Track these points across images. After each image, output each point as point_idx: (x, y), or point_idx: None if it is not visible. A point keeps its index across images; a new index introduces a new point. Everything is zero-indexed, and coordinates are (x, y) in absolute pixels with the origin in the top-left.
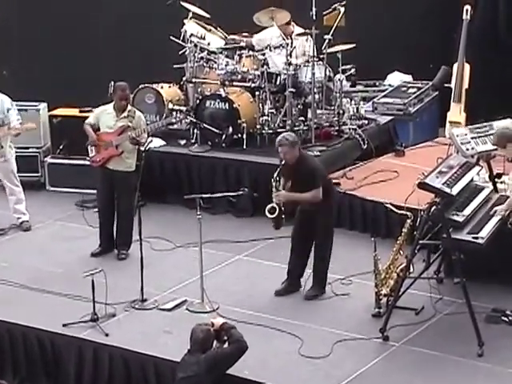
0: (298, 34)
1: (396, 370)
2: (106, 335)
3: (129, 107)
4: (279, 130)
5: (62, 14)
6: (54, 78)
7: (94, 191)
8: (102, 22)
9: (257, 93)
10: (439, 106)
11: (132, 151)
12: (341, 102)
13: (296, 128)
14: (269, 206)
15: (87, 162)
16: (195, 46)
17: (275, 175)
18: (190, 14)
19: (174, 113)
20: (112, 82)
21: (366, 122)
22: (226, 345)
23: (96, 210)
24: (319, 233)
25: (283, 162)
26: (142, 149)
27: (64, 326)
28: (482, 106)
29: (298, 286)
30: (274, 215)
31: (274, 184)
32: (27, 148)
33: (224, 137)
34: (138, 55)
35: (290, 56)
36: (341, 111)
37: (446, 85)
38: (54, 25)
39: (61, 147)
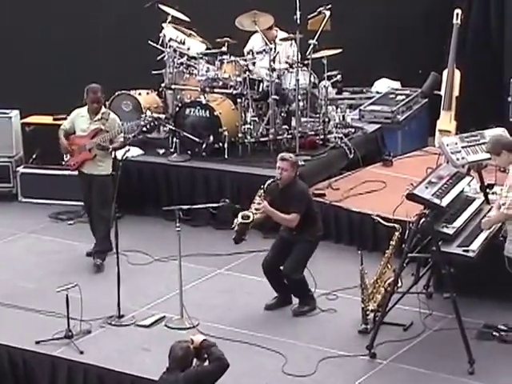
0: (282, 39)
1: None
2: (81, 353)
3: (103, 109)
4: (262, 139)
5: (33, 17)
6: (26, 84)
7: (69, 202)
8: (75, 25)
9: (239, 100)
10: (428, 114)
11: (106, 154)
12: (326, 109)
13: (279, 137)
14: (244, 213)
15: (62, 172)
16: (174, 51)
17: (266, 184)
18: (169, 18)
19: (148, 116)
20: (86, 89)
21: (353, 130)
22: (206, 363)
23: (70, 222)
24: (291, 257)
25: (277, 178)
26: (119, 157)
27: (37, 343)
28: (473, 114)
29: (288, 300)
30: (244, 221)
31: (260, 192)
32: None
33: (204, 146)
34: (114, 61)
35: (274, 62)
36: (326, 119)
37: (435, 92)
38: (26, 28)
39: (34, 156)
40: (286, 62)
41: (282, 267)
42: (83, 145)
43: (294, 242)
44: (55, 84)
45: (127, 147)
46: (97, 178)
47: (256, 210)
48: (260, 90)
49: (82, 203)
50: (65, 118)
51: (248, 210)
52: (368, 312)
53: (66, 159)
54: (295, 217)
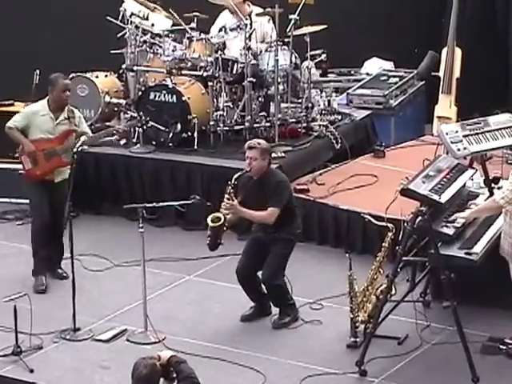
0: (258, 14)
1: None
2: (31, 371)
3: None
4: (236, 127)
5: None
6: None
7: (17, 200)
8: None
9: (210, 83)
10: (425, 99)
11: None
12: (309, 93)
13: (256, 125)
14: (214, 215)
15: (9, 166)
16: (136, 27)
17: (234, 178)
18: None
19: (124, 120)
20: (37, 71)
21: (340, 117)
22: (174, 383)
23: (18, 223)
24: (268, 261)
25: (247, 170)
26: (74, 149)
27: None
28: (476, 99)
29: (266, 310)
30: (215, 224)
31: (228, 189)
32: None
33: (171, 135)
34: (68, 38)
35: (249, 40)
36: (309, 105)
37: (433, 73)
38: None
39: None
40: (263, 41)
41: (258, 272)
42: (53, 150)
43: (270, 243)
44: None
45: (83, 137)
46: (61, 185)
47: (226, 209)
48: (234, 71)
49: (33, 212)
50: (12, 104)
51: (218, 210)
52: (357, 323)
53: (27, 167)
54: (273, 212)
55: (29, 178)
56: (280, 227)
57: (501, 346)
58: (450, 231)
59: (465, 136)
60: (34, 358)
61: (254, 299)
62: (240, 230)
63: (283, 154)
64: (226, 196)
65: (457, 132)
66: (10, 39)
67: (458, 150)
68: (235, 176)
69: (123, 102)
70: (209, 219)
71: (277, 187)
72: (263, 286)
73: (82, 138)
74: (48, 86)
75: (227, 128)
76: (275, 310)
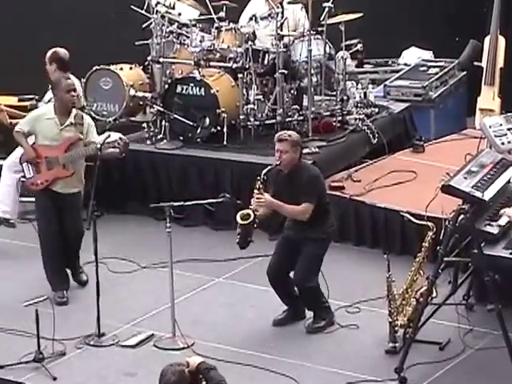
0: (290, 2)
1: None
2: (54, 379)
3: (74, 110)
4: (268, 122)
5: None
6: None
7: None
8: None
9: (240, 75)
10: (467, 90)
11: (83, 166)
12: (344, 85)
13: (289, 119)
14: (243, 212)
15: None
16: (162, 17)
17: (263, 173)
18: None
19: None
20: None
21: (376, 110)
22: None
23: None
24: (301, 263)
25: (277, 164)
26: (98, 145)
27: (1, 368)
28: None
29: (300, 314)
30: (244, 222)
31: (258, 184)
32: None
33: (199, 130)
34: (91, 29)
35: (281, 29)
36: (344, 97)
37: (475, 63)
38: None
39: None
40: (295, 30)
41: (291, 274)
42: (54, 158)
43: (301, 242)
44: (17, 59)
45: (107, 133)
46: (69, 197)
47: (257, 205)
48: (265, 62)
49: (39, 223)
50: (32, 99)
51: (249, 207)
52: (397, 328)
53: (28, 175)
54: (307, 207)
55: (31, 187)
56: (312, 225)
57: None
58: (494, 230)
59: (509, 129)
60: (56, 365)
61: (286, 302)
62: (271, 228)
63: (317, 150)
64: (256, 191)
65: (501, 125)
66: (31, 31)
67: (502, 143)
68: (265, 170)
69: (149, 95)
70: (238, 216)
71: (310, 182)
72: (296, 289)
73: (106, 134)
74: (52, 90)
75: (258, 122)
76: (309, 314)
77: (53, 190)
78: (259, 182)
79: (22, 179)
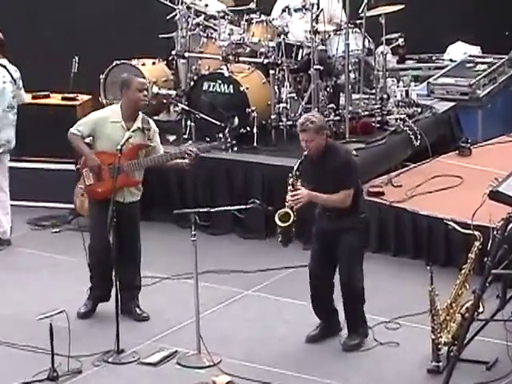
0: None
1: None
2: None
3: (140, 113)
4: None
5: None
6: None
7: (54, 205)
8: None
9: (271, 71)
10: None
11: (143, 171)
12: (384, 83)
13: (324, 119)
14: (280, 212)
15: (45, 166)
16: (188, 8)
17: (294, 169)
18: None
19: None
20: (76, 58)
21: (419, 110)
22: None
23: (54, 230)
24: (342, 258)
25: (305, 154)
26: (118, 147)
27: None
28: None
29: (335, 329)
30: (286, 224)
31: (290, 181)
32: None
33: (227, 131)
34: (112, 22)
35: (316, 22)
36: (385, 96)
37: None
38: None
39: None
40: (331, 22)
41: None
42: (119, 165)
43: (336, 234)
44: (32, 54)
45: (127, 133)
46: (129, 206)
47: (294, 202)
48: (299, 58)
49: (91, 233)
50: (47, 96)
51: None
52: (440, 345)
53: (88, 182)
54: (347, 193)
55: (89, 195)
56: (343, 214)
57: None
58: None
59: None
60: None
61: (322, 313)
62: (305, 237)
63: (355, 152)
64: (290, 187)
65: None
66: (45, 25)
67: None
68: (295, 165)
69: (173, 92)
70: (276, 218)
71: (345, 167)
72: (334, 303)
73: (127, 135)
74: (119, 89)
75: (291, 122)
76: (344, 329)
77: (114, 200)
78: (292, 179)
79: (80, 186)
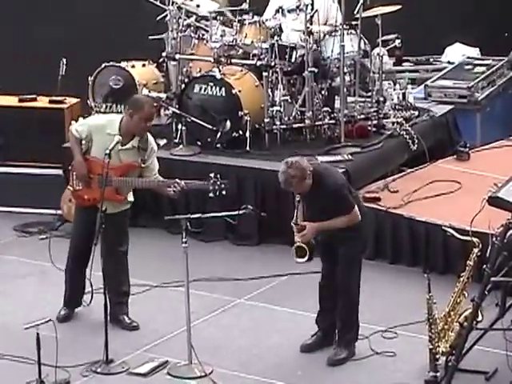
0: None
1: None
2: None
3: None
4: (296, 126)
5: None
6: None
7: (41, 211)
8: None
9: (265, 74)
10: None
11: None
12: (381, 85)
13: (319, 122)
14: (296, 248)
15: (32, 171)
16: (179, 8)
17: (294, 219)
18: None
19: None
20: (64, 60)
21: (416, 113)
22: None
23: (42, 237)
24: (339, 268)
25: (298, 199)
26: (107, 151)
27: None
28: None
29: (331, 338)
30: (305, 258)
31: (294, 227)
32: None
33: (219, 134)
34: (101, 23)
35: (311, 23)
36: (381, 99)
37: None
38: None
39: None
40: (326, 24)
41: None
42: (109, 179)
43: (336, 243)
44: (18, 56)
45: (116, 137)
46: (118, 215)
47: (302, 239)
48: (293, 60)
49: (71, 237)
50: (34, 99)
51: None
52: (438, 355)
53: (76, 187)
54: (353, 212)
55: (76, 199)
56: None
57: None
58: None
59: None
60: None
61: (325, 325)
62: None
63: (350, 157)
64: (294, 225)
65: None
66: (32, 26)
67: None
68: (295, 214)
69: (163, 95)
70: (294, 256)
71: (336, 193)
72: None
73: (116, 139)
74: (129, 106)
75: (284, 126)
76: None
77: (98, 208)
78: (295, 226)
79: (69, 187)
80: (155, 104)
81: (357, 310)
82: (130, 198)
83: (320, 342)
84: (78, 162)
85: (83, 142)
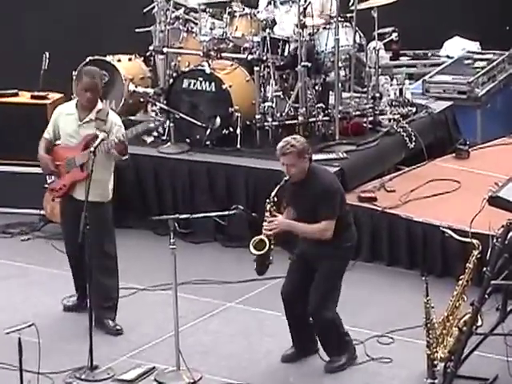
0: None
1: None
2: None
3: (99, 105)
4: (288, 122)
5: None
6: None
7: (23, 211)
8: None
9: (256, 68)
10: None
11: (107, 169)
12: (377, 81)
13: (312, 119)
14: (256, 239)
15: (13, 169)
16: (167, 0)
17: (272, 195)
18: None
19: (153, 113)
20: (46, 54)
21: (414, 109)
22: None
23: (23, 238)
24: (314, 286)
25: (286, 179)
26: (92, 149)
27: None
28: None
29: (311, 349)
30: (261, 252)
31: (268, 207)
32: None
33: (209, 131)
34: (85, 16)
35: (304, 15)
36: (377, 95)
37: None
38: None
39: None
40: (321, 16)
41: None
42: (72, 159)
43: (315, 258)
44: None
45: (101, 134)
46: (94, 206)
47: (269, 229)
48: (285, 54)
49: (64, 239)
50: (16, 94)
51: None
52: (436, 361)
53: (49, 181)
54: (328, 224)
55: (51, 193)
56: (326, 240)
57: None
58: None
59: None
60: None
61: (296, 335)
62: (291, 243)
63: (345, 155)
64: (267, 214)
65: None
66: (15, 20)
67: None
68: (275, 190)
69: (151, 91)
70: (251, 247)
71: (326, 193)
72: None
73: (101, 136)
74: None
75: (277, 123)
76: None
77: (73, 198)
78: (270, 205)
79: (46, 185)
80: (104, 75)
81: (338, 328)
82: (110, 195)
83: (300, 352)
84: (39, 158)
85: (55, 132)
